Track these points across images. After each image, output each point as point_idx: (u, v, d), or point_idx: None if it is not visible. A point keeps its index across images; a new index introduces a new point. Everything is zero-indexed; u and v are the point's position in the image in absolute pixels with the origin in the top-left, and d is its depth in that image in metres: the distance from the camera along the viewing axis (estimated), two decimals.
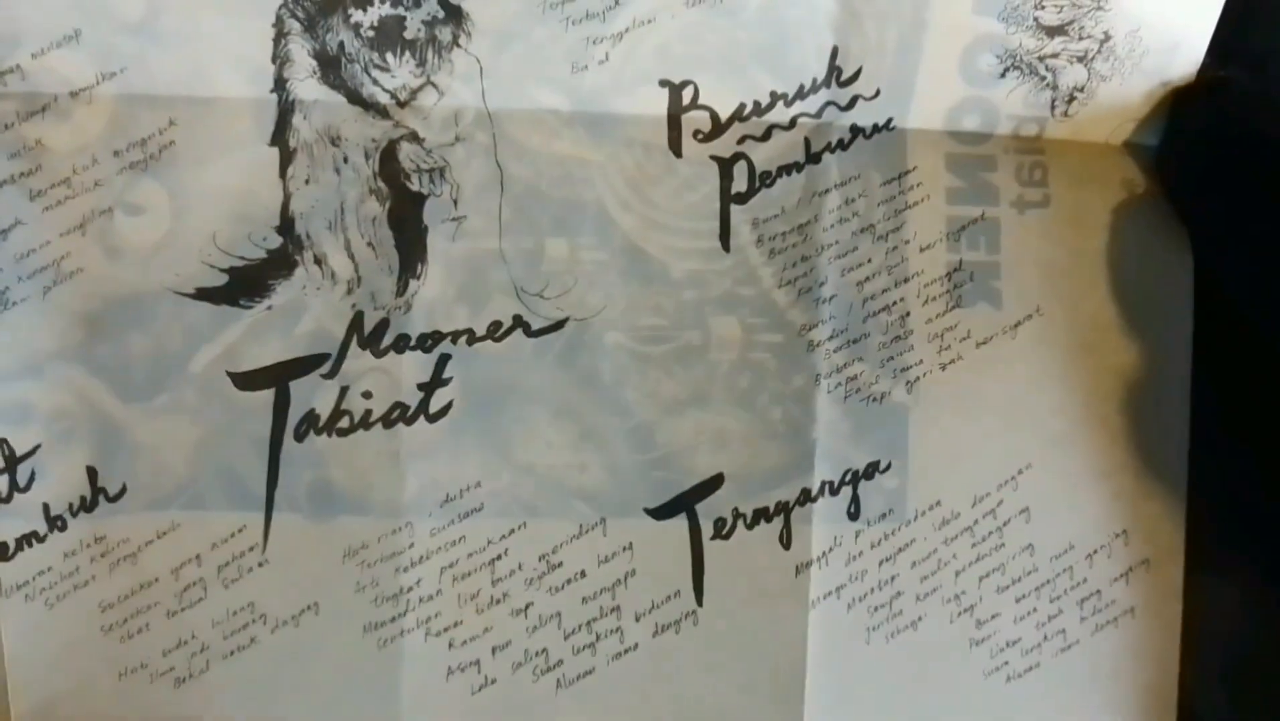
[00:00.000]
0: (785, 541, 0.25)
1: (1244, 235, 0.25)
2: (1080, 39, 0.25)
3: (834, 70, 0.25)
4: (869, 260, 0.25)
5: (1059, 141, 0.25)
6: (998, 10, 0.24)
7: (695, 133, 0.25)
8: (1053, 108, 0.25)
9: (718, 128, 0.25)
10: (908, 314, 0.25)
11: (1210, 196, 0.25)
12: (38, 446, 0.24)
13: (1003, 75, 0.25)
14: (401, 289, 0.25)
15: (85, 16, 0.23)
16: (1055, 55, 0.25)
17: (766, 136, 0.25)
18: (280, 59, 0.24)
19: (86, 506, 0.24)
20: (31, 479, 0.24)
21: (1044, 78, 0.25)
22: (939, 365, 0.25)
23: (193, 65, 0.24)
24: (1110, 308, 0.25)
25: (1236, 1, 0.25)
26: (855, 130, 0.25)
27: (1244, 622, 0.26)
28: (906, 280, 0.25)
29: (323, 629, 0.25)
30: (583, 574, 0.25)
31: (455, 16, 0.24)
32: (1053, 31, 0.25)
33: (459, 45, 0.24)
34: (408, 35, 0.24)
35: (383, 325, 0.25)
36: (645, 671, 0.25)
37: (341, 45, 0.24)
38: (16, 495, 0.24)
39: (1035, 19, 0.24)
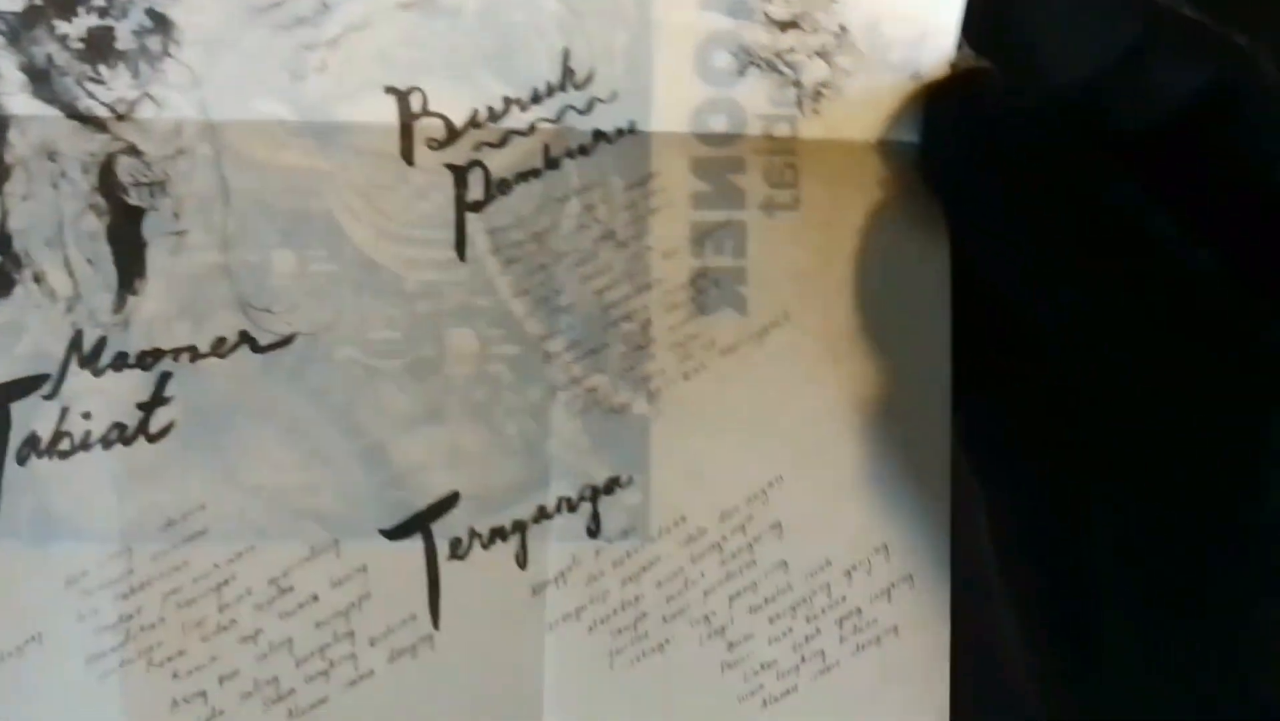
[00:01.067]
0: (521, 561, 0.24)
1: (1010, 232, 0.23)
2: (815, 32, 0.24)
3: (568, 73, 0.24)
4: (610, 268, 0.24)
5: (812, 141, 0.24)
6: (725, 5, 0.24)
7: (429, 140, 0.24)
8: (800, 105, 0.24)
9: (452, 135, 0.24)
10: (649, 322, 0.24)
11: (973, 194, 0.24)
12: None
13: (742, 73, 0.24)
14: (119, 305, 0.24)
15: None
16: (792, 50, 0.24)
17: (504, 143, 0.24)
18: None
19: None
20: None
21: (785, 74, 0.24)
22: (682, 375, 0.24)
23: None
24: (863, 313, 0.24)
25: None
26: (597, 135, 0.24)
27: (1018, 640, 0.25)
28: (648, 287, 0.24)
29: (46, 660, 0.24)
30: (315, 598, 0.24)
31: (163, 26, 0.23)
32: (785, 26, 0.24)
33: (170, 55, 0.23)
34: (119, 46, 0.23)
35: (101, 343, 0.24)
36: (381, 699, 0.24)
37: (50, 58, 0.23)
38: None
39: (765, 13, 0.24)
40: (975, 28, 0.24)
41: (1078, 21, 0.24)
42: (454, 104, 0.24)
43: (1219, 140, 0.23)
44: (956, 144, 0.24)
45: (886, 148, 0.24)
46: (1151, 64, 0.23)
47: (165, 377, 0.24)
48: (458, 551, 0.24)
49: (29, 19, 0.23)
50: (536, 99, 0.24)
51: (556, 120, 0.24)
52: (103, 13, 0.23)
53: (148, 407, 0.24)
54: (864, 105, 0.24)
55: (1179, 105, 0.23)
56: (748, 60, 0.24)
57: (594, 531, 0.24)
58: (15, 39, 0.23)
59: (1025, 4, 0.24)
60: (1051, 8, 0.24)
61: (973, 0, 0.24)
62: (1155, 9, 0.24)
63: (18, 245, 0.24)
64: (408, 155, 0.24)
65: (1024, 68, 0.24)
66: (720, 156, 0.24)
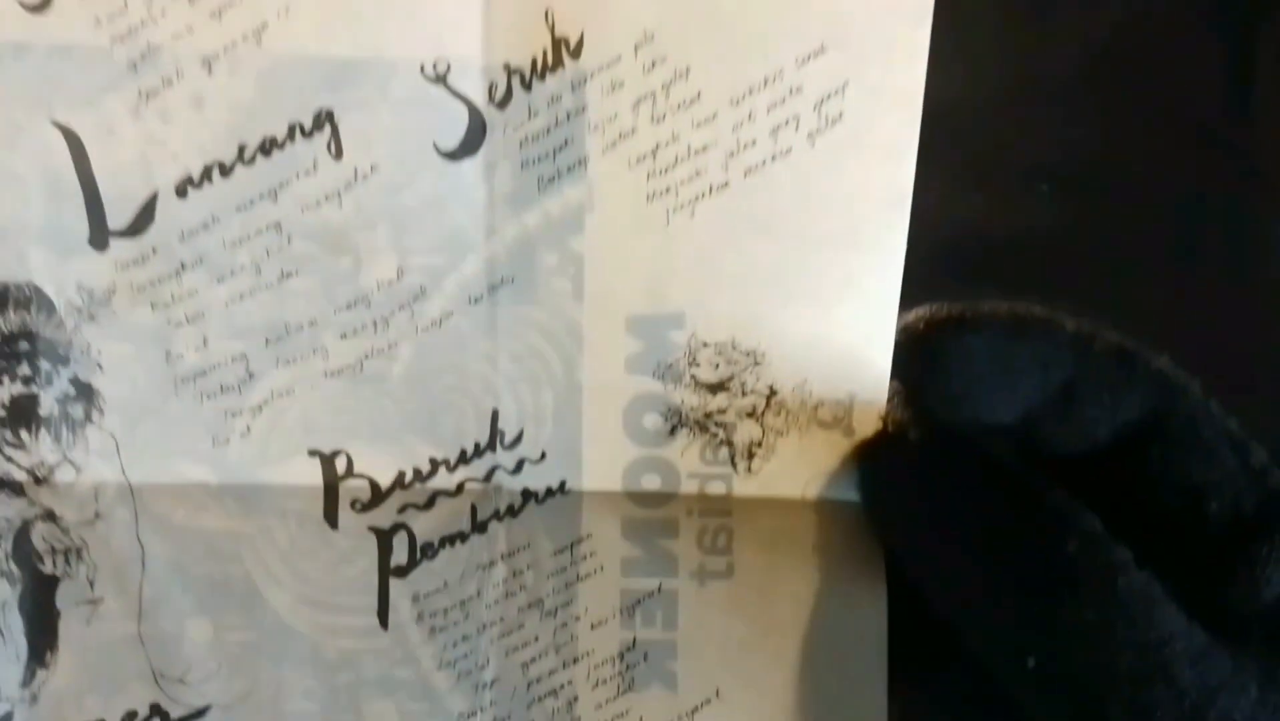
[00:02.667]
0: None
1: (957, 575, 0.23)
2: (744, 395, 0.23)
3: (496, 434, 0.24)
4: (536, 639, 0.24)
5: (747, 499, 0.24)
6: (651, 368, 0.23)
7: (353, 502, 0.24)
8: (734, 463, 0.24)
9: (377, 496, 0.24)
10: (575, 699, 0.23)
11: (916, 542, 0.23)
12: None
13: (672, 433, 0.24)
14: (28, 679, 0.23)
15: None
16: (722, 411, 0.24)
17: (430, 504, 0.24)
18: None
19: None
20: None
21: (716, 435, 0.24)
22: None
23: None
24: (798, 689, 0.23)
25: (917, 351, 0.24)
26: (527, 494, 0.24)
27: None
28: (576, 660, 0.23)
29: None
30: None
31: (86, 394, 0.23)
32: (714, 388, 0.23)
33: (92, 422, 0.23)
34: (42, 413, 0.23)
35: (8, 718, 0.23)
36: None
37: None
38: None
39: (692, 376, 0.23)
40: (906, 376, 0.24)
41: (1009, 366, 0.24)
42: (380, 466, 0.24)
43: (1148, 468, 0.23)
44: (895, 498, 0.23)
45: (823, 506, 0.24)
46: (1082, 401, 0.23)
47: None
48: None
49: None
50: (464, 459, 0.24)
51: (485, 480, 0.24)
52: (27, 380, 0.23)
53: None
54: (798, 463, 0.24)
55: (1110, 436, 0.23)
56: (677, 421, 0.24)
57: None
58: None
59: (956, 352, 0.24)
60: (983, 355, 0.23)
61: (903, 348, 0.24)
62: (1085, 349, 0.23)
63: None
64: (331, 518, 0.24)
65: (957, 412, 0.24)
66: (653, 518, 0.24)
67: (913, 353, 0.23)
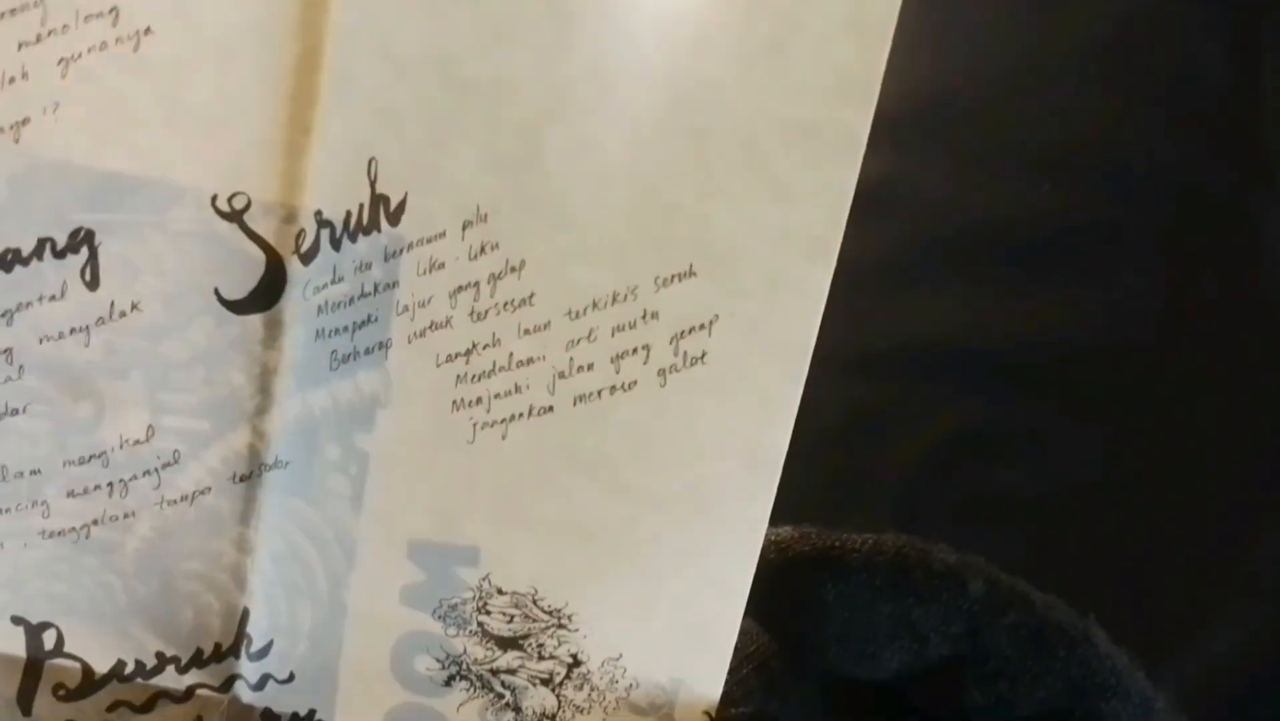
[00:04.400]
0: None
1: None
2: (541, 658, 0.19)
3: (242, 638, 0.19)
4: None
5: None
6: (432, 606, 0.19)
7: (56, 687, 0.19)
8: None
9: (88, 685, 0.19)
10: None
11: None
12: None
13: (448, 683, 0.19)
14: None
15: None
16: (512, 671, 0.19)
17: (149, 706, 0.19)
18: None
19: None
20: None
21: (502, 696, 0.19)
22: None
23: None
24: None
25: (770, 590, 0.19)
26: (269, 717, 0.19)
27: None
28: None
29: None
30: None
31: None
32: (505, 643, 0.19)
33: None
34: None
35: None
36: None
37: None
38: None
39: (480, 625, 0.19)
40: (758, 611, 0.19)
41: (873, 625, 0.19)
42: (96, 650, 0.19)
43: None
44: None
45: None
46: (968, 681, 0.19)
47: None
48: None
49: None
50: (199, 661, 0.19)
51: (221, 689, 0.19)
52: None
53: None
54: None
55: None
56: (456, 671, 0.19)
57: None
58: None
59: (811, 602, 0.19)
60: (842, 609, 0.19)
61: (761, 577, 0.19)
62: (986, 620, 0.20)
63: None
64: (25, 701, 0.19)
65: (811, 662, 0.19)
66: None
67: (768, 588, 0.19)
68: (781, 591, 0.20)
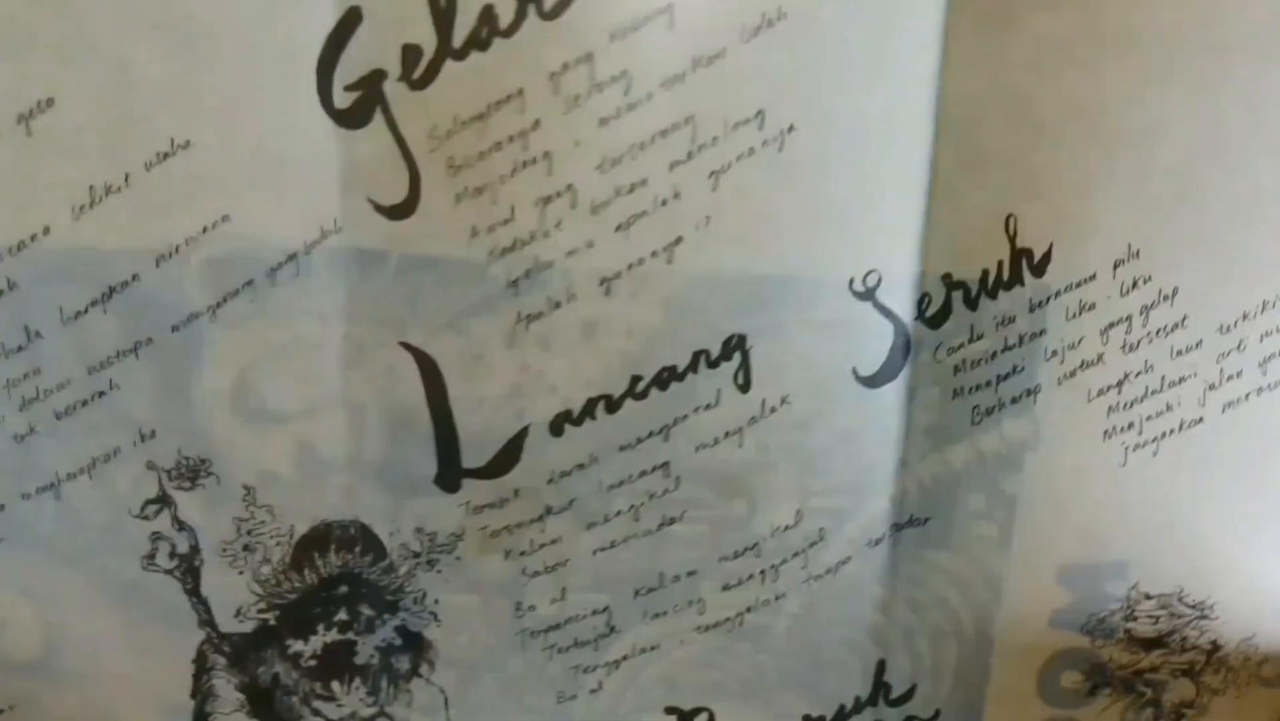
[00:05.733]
0: None
1: None
2: (1183, 651, 0.20)
3: (880, 687, 0.20)
4: None
5: None
6: (1080, 623, 0.20)
7: None
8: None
9: None
10: None
11: None
12: None
13: (1092, 692, 0.20)
14: None
15: None
16: (1155, 669, 0.20)
17: None
18: (202, 694, 0.19)
19: None
20: None
21: (1142, 694, 0.20)
22: None
23: (95, 705, 0.19)
24: None
25: None
26: None
27: None
28: None
29: None
30: None
31: (416, 645, 0.19)
32: (1149, 644, 0.20)
33: (419, 675, 0.19)
34: (358, 661, 0.19)
35: None
36: None
37: (276, 677, 0.19)
38: None
39: (1127, 631, 0.20)
40: None
41: None
42: None
43: None
44: None
45: None
46: None
47: None
48: None
49: (259, 639, 0.19)
50: (841, 716, 0.20)
51: None
52: (344, 627, 0.19)
53: None
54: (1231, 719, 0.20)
55: None
56: (1100, 679, 0.20)
57: None
58: (240, 659, 0.19)
59: None
60: None
61: None
62: None
63: None
64: None
65: None
66: None
67: None
68: None
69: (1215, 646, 0.20)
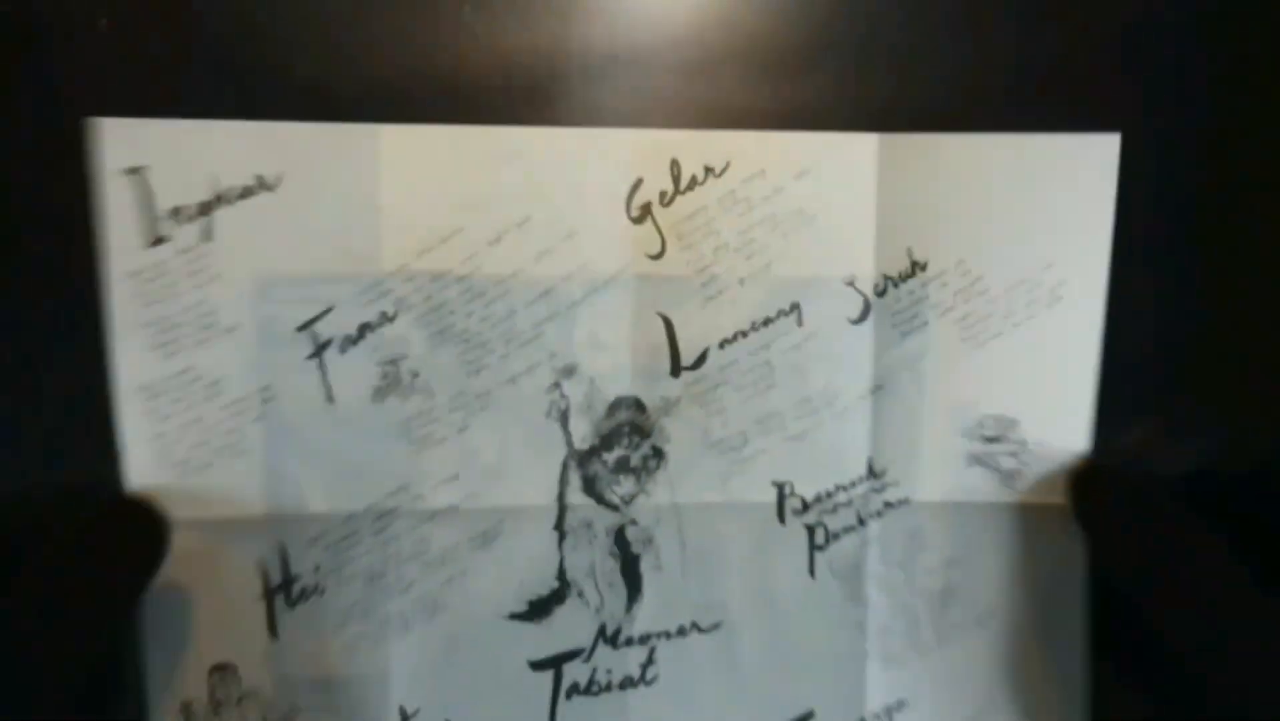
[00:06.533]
0: None
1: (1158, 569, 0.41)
2: (1009, 442, 0.44)
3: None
4: None
5: (1017, 504, 0.44)
6: (974, 433, 0.44)
7: (792, 509, 0.44)
8: (1003, 484, 0.44)
9: (805, 506, 0.44)
10: None
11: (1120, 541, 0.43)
12: None
13: (969, 466, 0.44)
14: (629, 609, 0.44)
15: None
16: (997, 455, 0.44)
17: (834, 510, 0.44)
18: (563, 482, 0.44)
19: None
20: None
21: (995, 469, 0.44)
22: None
23: (508, 488, 0.43)
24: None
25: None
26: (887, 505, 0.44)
27: None
28: None
29: None
30: None
31: (658, 455, 0.44)
32: (993, 440, 0.44)
33: (661, 469, 0.44)
34: (632, 465, 0.44)
35: (617, 631, 0.43)
36: None
37: (596, 473, 0.44)
38: None
39: (980, 434, 0.44)
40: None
41: None
42: (806, 489, 0.44)
43: None
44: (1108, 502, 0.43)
45: (1058, 509, 0.44)
46: None
47: (654, 650, 0.43)
48: None
49: (590, 454, 0.43)
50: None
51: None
52: (626, 447, 0.44)
53: (644, 668, 0.43)
54: (1039, 484, 0.44)
55: None
56: (974, 460, 0.44)
57: None
58: (582, 464, 0.44)
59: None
60: None
61: None
62: None
63: (569, 576, 0.44)
64: (781, 518, 0.44)
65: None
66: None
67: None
68: None
69: (1024, 442, 0.44)
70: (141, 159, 0.38)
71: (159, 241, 0.39)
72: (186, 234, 0.39)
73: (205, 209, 0.39)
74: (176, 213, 0.39)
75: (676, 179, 0.41)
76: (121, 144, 0.38)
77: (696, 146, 0.40)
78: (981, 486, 0.43)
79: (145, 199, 0.38)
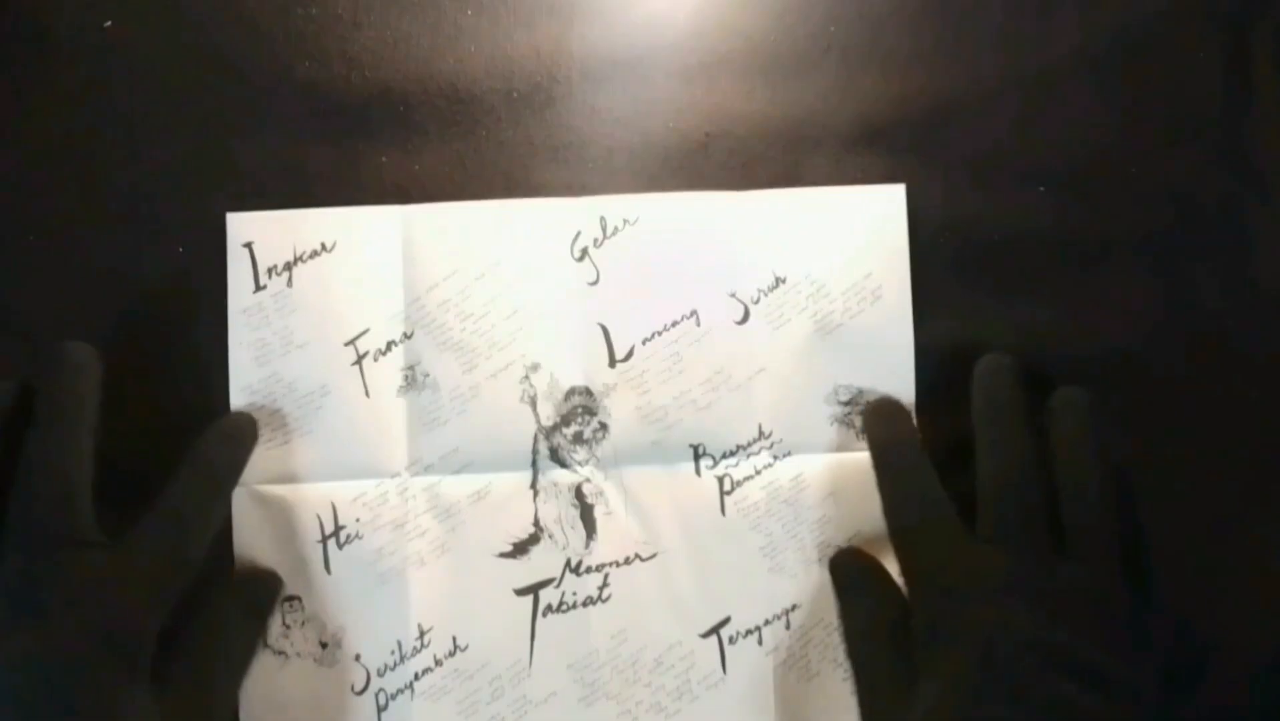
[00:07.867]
0: None
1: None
2: (859, 405, 0.59)
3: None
4: None
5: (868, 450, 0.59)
6: (825, 396, 0.59)
7: None
8: (859, 435, 0.59)
9: None
10: None
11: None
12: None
13: (832, 424, 0.59)
14: (587, 546, 0.58)
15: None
16: (851, 414, 0.59)
17: None
18: (535, 452, 0.60)
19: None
20: None
21: (850, 425, 0.59)
22: None
23: (494, 458, 0.59)
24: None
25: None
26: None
27: None
28: None
29: None
30: None
31: (604, 428, 0.59)
32: (845, 404, 0.59)
33: (604, 441, 0.60)
34: (585, 437, 0.60)
35: (579, 563, 0.58)
36: None
37: (558, 444, 0.60)
38: None
39: (838, 400, 0.59)
40: None
41: None
42: None
43: None
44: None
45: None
46: None
47: (607, 576, 0.58)
48: None
49: (554, 430, 0.60)
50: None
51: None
52: (580, 424, 0.60)
53: (600, 590, 0.58)
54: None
55: None
56: (835, 420, 0.59)
57: None
58: (548, 437, 0.60)
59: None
60: None
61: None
62: None
63: (541, 523, 0.59)
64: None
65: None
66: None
67: None
68: None
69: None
70: (251, 236, 0.58)
71: (260, 289, 0.58)
72: (277, 283, 0.58)
73: (288, 266, 0.58)
74: (271, 270, 0.58)
75: (604, 228, 0.59)
76: (240, 226, 0.58)
77: (617, 206, 0.59)
78: (841, 439, 0.58)
79: (253, 261, 0.58)
